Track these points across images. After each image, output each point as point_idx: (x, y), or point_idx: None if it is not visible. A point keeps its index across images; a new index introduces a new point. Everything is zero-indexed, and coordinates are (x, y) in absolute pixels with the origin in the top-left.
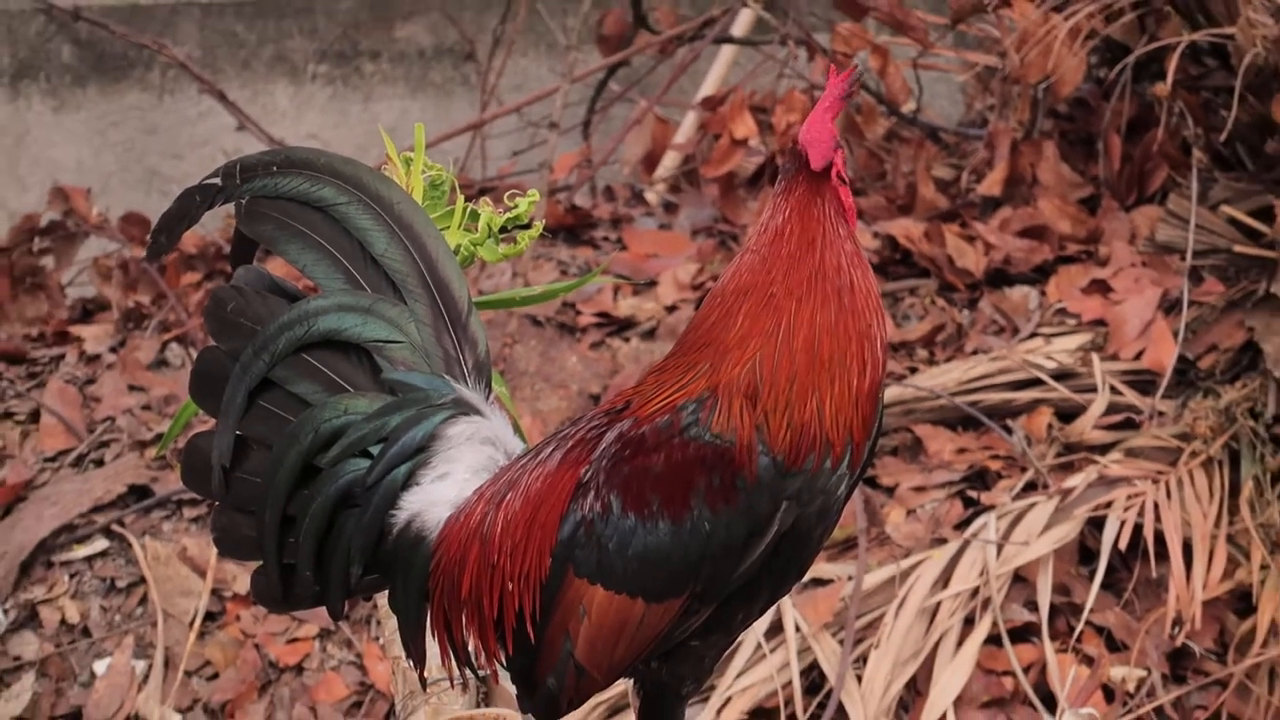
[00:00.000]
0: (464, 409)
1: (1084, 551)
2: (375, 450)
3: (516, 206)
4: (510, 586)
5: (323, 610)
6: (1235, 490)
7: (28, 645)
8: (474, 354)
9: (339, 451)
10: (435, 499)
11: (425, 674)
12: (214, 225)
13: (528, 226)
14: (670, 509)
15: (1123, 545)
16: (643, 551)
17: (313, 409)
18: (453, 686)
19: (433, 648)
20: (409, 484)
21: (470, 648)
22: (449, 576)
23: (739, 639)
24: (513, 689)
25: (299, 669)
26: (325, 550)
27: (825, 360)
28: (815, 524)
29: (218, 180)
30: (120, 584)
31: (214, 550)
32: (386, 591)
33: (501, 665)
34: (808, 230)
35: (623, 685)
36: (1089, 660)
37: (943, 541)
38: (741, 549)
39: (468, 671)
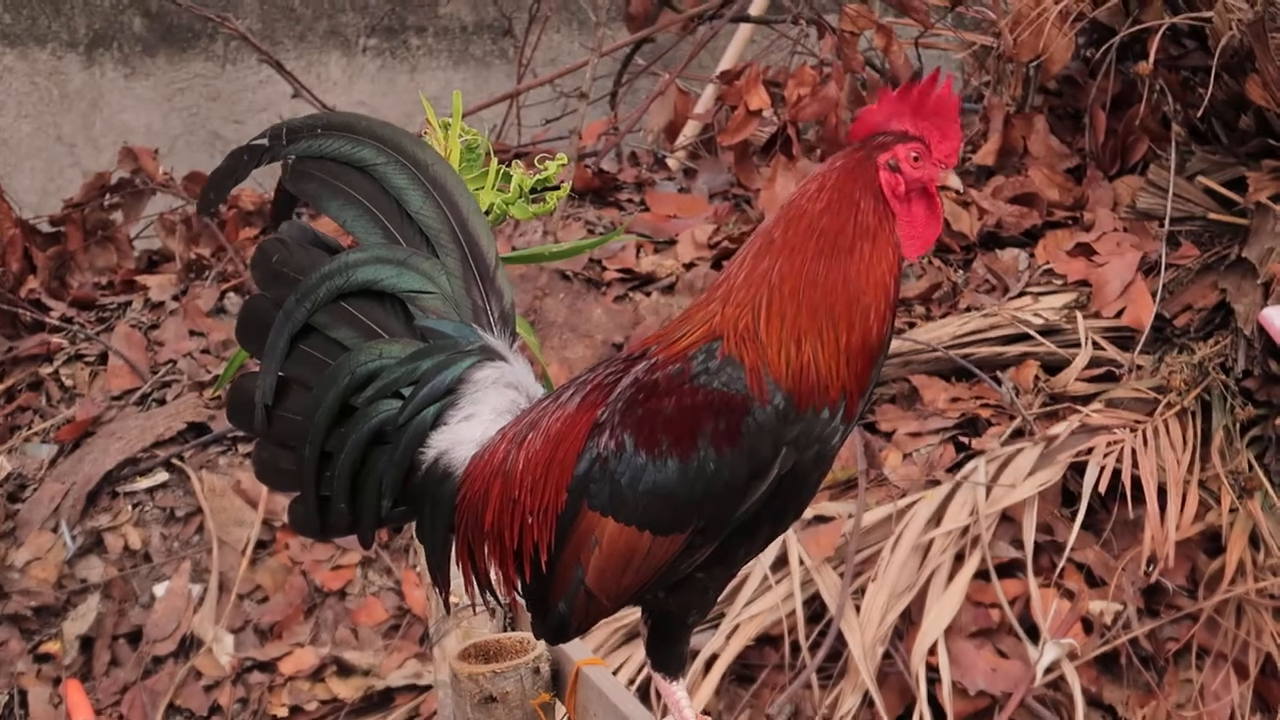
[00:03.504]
0: (490, 355)
1: (1066, 494)
2: (407, 392)
3: (546, 169)
4: (530, 520)
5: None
6: (1207, 439)
7: (93, 569)
8: (500, 305)
9: (373, 392)
10: (461, 438)
11: (452, 599)
12: (271, 184)
13: (556, 188)
14: (678, 449)
15: (1102, 489)
16: (652, 487)
17: (350, 353)
18: (475, 613)
19: (457, 576)
20: (437, 424)
21: (491, 575)
22: (473, 510)
23: (745, 571)
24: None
25: (342, 594)
26: (358, 483)
27: (813, 311)
28: (811, 469)
29: (265, 141)
30: (179, 513)
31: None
32: (415, 523)
33: (518, 593)
34: (831, 195)
35: (636, 614)
36: (1070, 595)
37: (936, 483)
38: (743, 489)
39: (489, 597)
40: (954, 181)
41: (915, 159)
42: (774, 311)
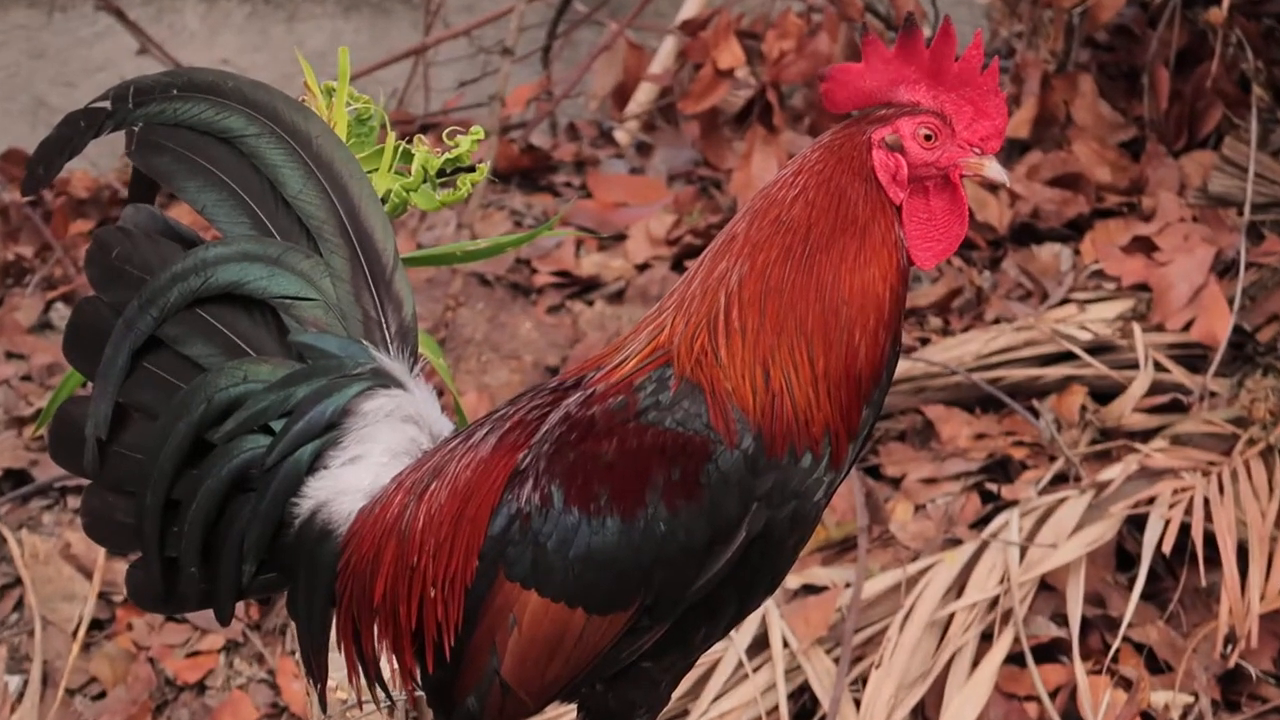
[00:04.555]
0: (383, 381)
1: (1122, 556)
2: (277, 426)
3: (457, 146)
4: (432, 593)
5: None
6: None
7: None
8: (398, 317)
9: (235, 426)
10: (346, 486)
11: (333, 693)
12: (110, 164)
13: (471, 169)
14: (621, 504)
15: (1167, 548)
16: (586, 553)
17: (206, 374)
18: (363, 711)
19: (339, 663)
20: (315, 467)
21: (383, 663)
22: (360, 579)
23: (714, 655)
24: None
25: (200, 687)
26: (214, 542)
27: (778, 325)
28: (788, 531)
29: (107, 104)
30: None
31: (102, 548)
32: (287, 594)
33: (417, 685)
34: (807, 179)
35: (569, 713)
36: (1126, 683)
37: (957, 542)
38: (702, 555)
39: (379, 690)
40: (997, 173)
41: (927, 137)
42: (733, 326)
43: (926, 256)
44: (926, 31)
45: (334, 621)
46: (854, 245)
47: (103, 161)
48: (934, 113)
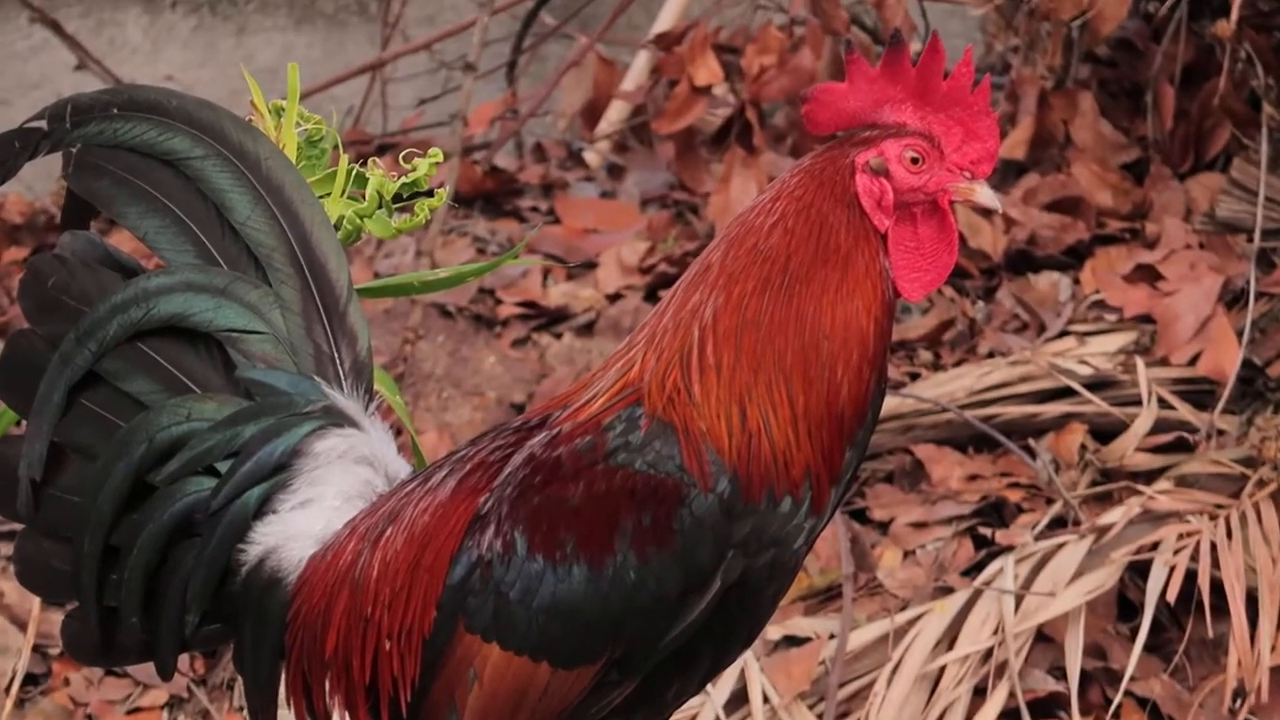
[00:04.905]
0: (336, 419)
1: (1124, 605)
2: (223, 467)
3: (415, 169)
4: (387, 645)
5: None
6: None
7: None
8: (352, 351)
9: (178, 467)
10: (296, 532)
11: None
12: (46, 187)
13: (430, 193)
14: (588, 551)
15: (1171, 597)
16: (551, 603)
17: (148, 412)
18: None
19: (288, 718)
20: (263, 511)
21: (334, 718)
22: (310, 630)
23: (690, 710)
24: None
25: None
26: (156, 590)
27: (754, 361)
28: (766, 580)
29: (43, 123)
30: None
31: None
32: (233, 646)
33: None
34: (786, 205)
35: None
36: None
37: (948, 591)
38: (675, 606)
39: None
40: (989, 198)
41: (914, 160)
42: (707, 363)
43: (914, 288)
44: (916, 45)
45: (283, 676)
46: (836, 276)
47: (38, 185)
48: (921, 134)
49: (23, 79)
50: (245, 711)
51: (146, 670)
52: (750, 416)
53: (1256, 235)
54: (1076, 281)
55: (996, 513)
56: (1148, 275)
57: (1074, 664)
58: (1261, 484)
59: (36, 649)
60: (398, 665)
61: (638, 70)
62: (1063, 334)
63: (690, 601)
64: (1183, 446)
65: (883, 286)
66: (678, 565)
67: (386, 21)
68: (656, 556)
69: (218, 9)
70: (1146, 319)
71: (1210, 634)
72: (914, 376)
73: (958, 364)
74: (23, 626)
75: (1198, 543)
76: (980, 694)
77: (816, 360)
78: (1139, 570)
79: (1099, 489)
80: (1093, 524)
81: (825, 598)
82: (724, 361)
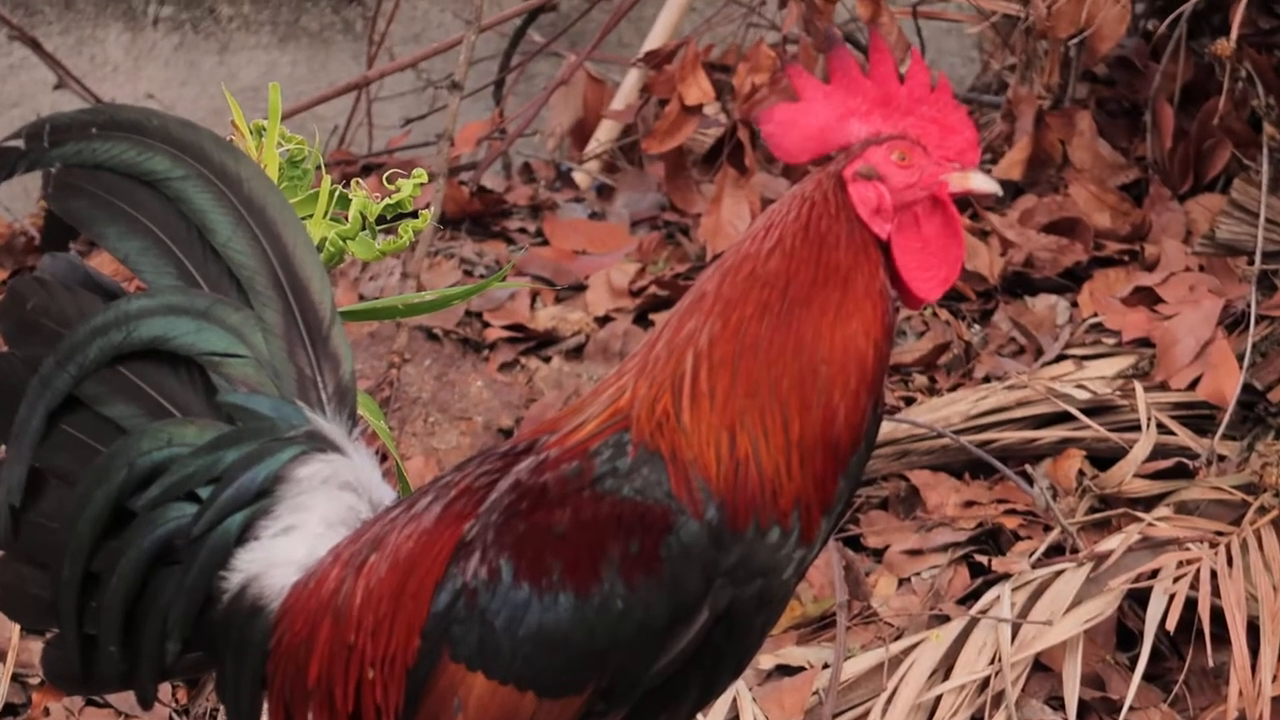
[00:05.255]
0: (319, 445)
1: (1123, 633)
2: (204, 493)
3: (398, 190)
4: (370, 673)
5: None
6: None
7: None
8: (335, 375)
9: (159, 493)
10: (278, 559)
11: None
12: (25, 208)
13: (414, 215)
14: (574, 579)
15: (1171, 626)
16: (537, 632)
17: (128, 437)
18: None
19: None
20: (245, 538)
21: None
22: (293, 659)
23: None
24: None
25: None
26: (136, 618)
27: (750, 387)
28: (754, 610)
29: (21, 143)
30: None
31: (16, 625)
32: (215, 675)
33: None
34: (782, 228)
35: None
36: None
37: (944, 619)
38: (662, 635)
39: None
40: (984, 183)
41: (902, 158)
42: (700, 389)
43: (929, 287)
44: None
45: (265, 705)
46: (836, 296)
47: (16, 205)
48: (899, 137)
49: (1, 98)
50: None
51: (128, 700)
52: (740, 444)
53: (1258, 257)
54: (1074, 304)
55: (993, 540)
56: (1147, 298)
57: (1072, 694)
58: (1263, 511)
59: (15, 678)
60: (381, 694)
61: (628, 89)
62: (1060, 358)
63: (678, 631)
64: (1182, 472)
65: (883, 306)
66: (665, 594)
67: (372, 40)
68: (644, 584)
69: (200, 27)
70: (1145, 343)
71: (1211, 663)
72: (909, 401)
73: (953, 388)
74: (2, 656)
75: (1198, 570)
76: None
77: (814, 385)
78: (1138, 598)
79: (1097, 516)
80: (1091, 551)
81: (818, 626)
82: (718, 388)
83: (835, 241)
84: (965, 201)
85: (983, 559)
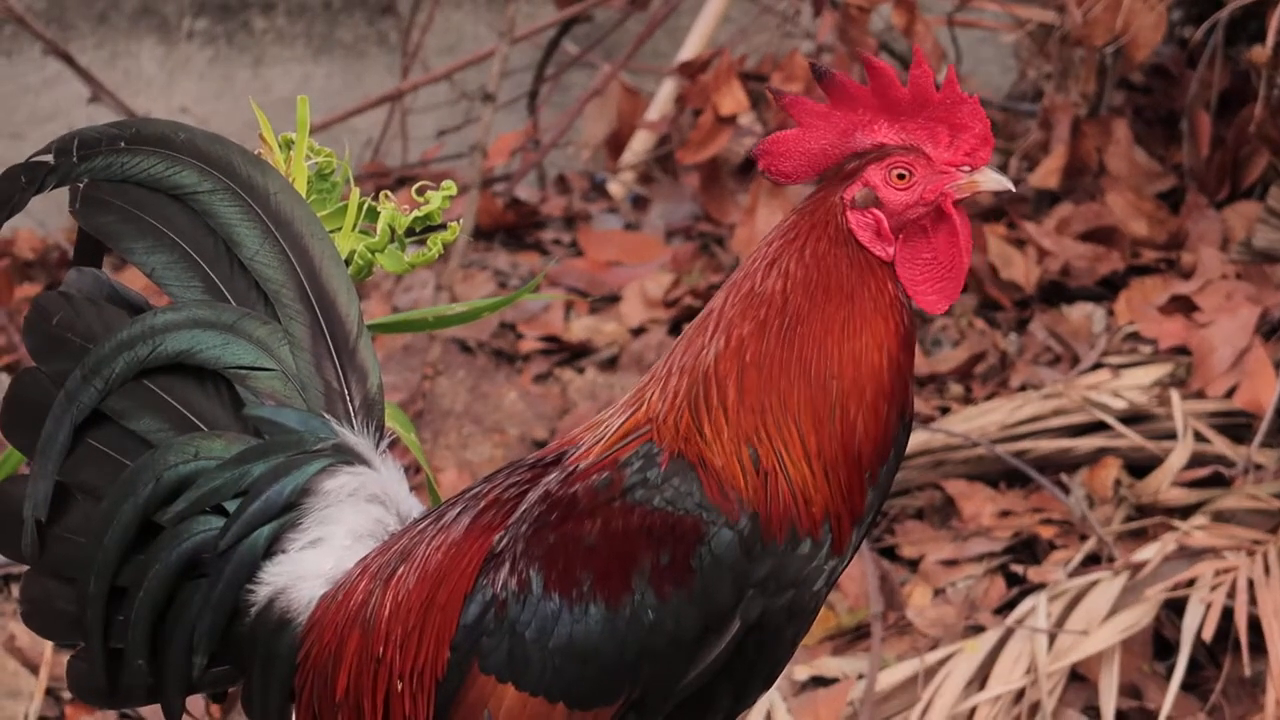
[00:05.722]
0: (346, 457)
1: (1159, 643)
2: (231, 506)
3: (428, 202)
4: (399, 686)
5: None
6: None
7: None
8: (362, 388)
9: (185, 506)
10: (306, 572)
11: None
12: (58, 223)
13: (443, 227)
14: (605, 590)
15: (1208, 635)
16: (568, 643)
17: (155, 451)
18: None
19: None
20: (273, 551)
21: None
22: (321, 672)
23: None
24: None
25: None
26: (163, 632)
27: (759, 403)
28: (785, 622)
29: (50, 158)
30: None
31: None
32: (242, 688)
33: None
34: (781, 248)
35: None
36: None
37: (980, 629)
38: (693, 646)
39: None
40: (996, 181)
41: (900, 176)
42: (713, 403)
43: (938, 300)
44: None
45: (293, 718)
46: (841, 313)
47: (50, 220)
48: (904, 148)
49: (36, 112)
50: None
51: (157, 714)
52: (764, 456)
53: None
54: (1111, 313)
55: (1029, 549)
56: (1183, 306)
57: (1109, 704)
58: None
59: (49, 692)
60: (410, 707)
61: (662, 99)
62: (1096, 366)
63: (709, 642)
64: (1219, 481)
65: (896, 318)
66: (696, 605)
67: (406, 51)
68: (675, 595)
69: (234, 40)
70: (1182, 351)
71: (1248, 672)
72: (944, 410)
73: (989, 397)
74: (35, 670)
75: (1234, 579)
76: None
77: (825, 400)
78: (1175, 608)
79: (1133, 525)
80: (1127, 561)
81: (853, 637)
82: (729, 403)
83: (835, 263)
84: (1000, 209)
85: (1018, 569)
